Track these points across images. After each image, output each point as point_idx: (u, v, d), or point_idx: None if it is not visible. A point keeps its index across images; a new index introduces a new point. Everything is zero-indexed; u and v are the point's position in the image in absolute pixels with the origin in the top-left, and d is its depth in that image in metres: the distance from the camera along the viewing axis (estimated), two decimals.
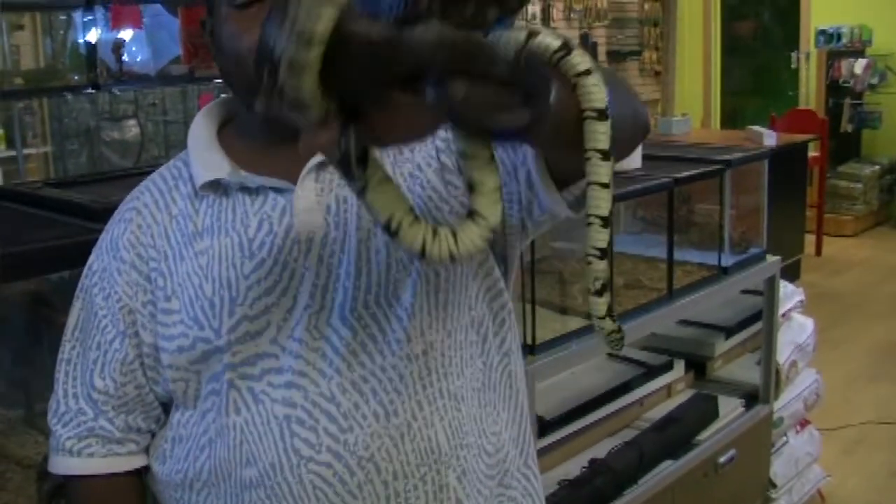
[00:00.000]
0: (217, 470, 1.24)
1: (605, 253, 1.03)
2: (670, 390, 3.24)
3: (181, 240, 1.27)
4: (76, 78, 4.05)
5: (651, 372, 3.16)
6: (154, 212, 1.30)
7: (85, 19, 4.08)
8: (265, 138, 1.28)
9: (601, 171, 0.98)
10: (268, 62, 0.83)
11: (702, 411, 3.14)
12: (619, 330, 1.08)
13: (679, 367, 3.28)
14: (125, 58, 4.15)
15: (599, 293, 1.04)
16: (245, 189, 1.26)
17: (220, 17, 1.22)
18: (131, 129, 5.55)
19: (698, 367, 3.41)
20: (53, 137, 5.49)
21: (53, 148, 5.48)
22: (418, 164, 1.27)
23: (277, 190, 1.25)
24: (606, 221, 1.02)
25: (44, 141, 5.46)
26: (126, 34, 4.24)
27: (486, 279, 1.30)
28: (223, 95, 1.36)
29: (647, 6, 9.29)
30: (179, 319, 1.24)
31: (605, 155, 0.97)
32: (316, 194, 1.25)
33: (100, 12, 4.10)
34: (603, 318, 1.06)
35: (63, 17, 4.79)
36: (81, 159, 5.58)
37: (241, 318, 1.21)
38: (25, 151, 5.07)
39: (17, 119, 4.98)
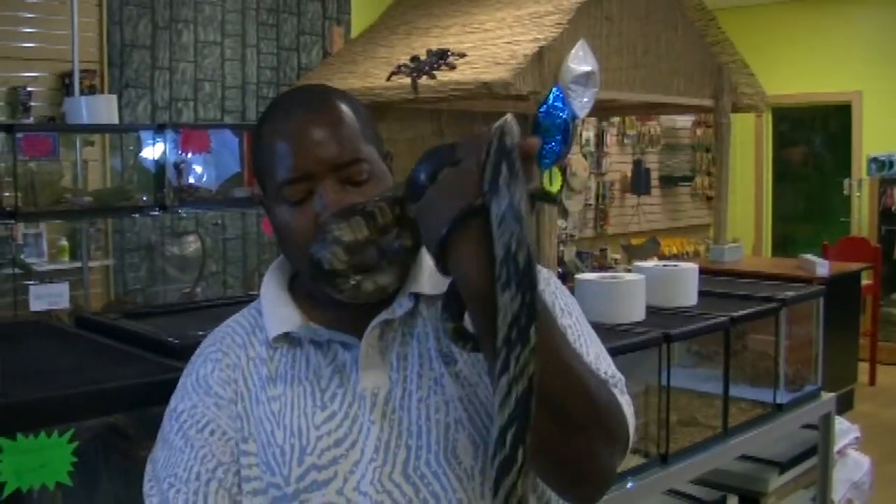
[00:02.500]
0: None
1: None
2: None
3: (257, 383, 1.31)
4: (144, 199, 4.16)
5: None
6: (237, 354, 1.35)
7: (154, 140, 4.20)
8: (327, 296, 1.34)
9: None
10: None
11: None
12: None
13: (732, 503, 3.25)
14: (191, 180, 4.27)
15: None
16: (314, 342, 1.32)
17: (279, 208, 1.32)
18: (191, 244, 5.67)
19: (751, 502, 3.37)
20: (115, 251, 5.62)
21: (115, 261, 5.61)
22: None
23: (344, 344, 1.30)
24: None
25: (105, 254, 5.59)
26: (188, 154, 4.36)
27: None
28: None
29: (699, 132, 9.41)
30: (255, 462, 1.27)
31: None
32: (380, 351, 1.30)
33: (169, 134, 4.22)
34: None
35: (132, 137, 4.94)
36: (141, 273, 5.70)
37: (309, 467, 1.24)
38: (89, 264, 5.20)
39: (85, 235, 5.12)
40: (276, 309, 1.36)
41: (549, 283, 1.41)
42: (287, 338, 1.33)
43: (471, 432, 1.26)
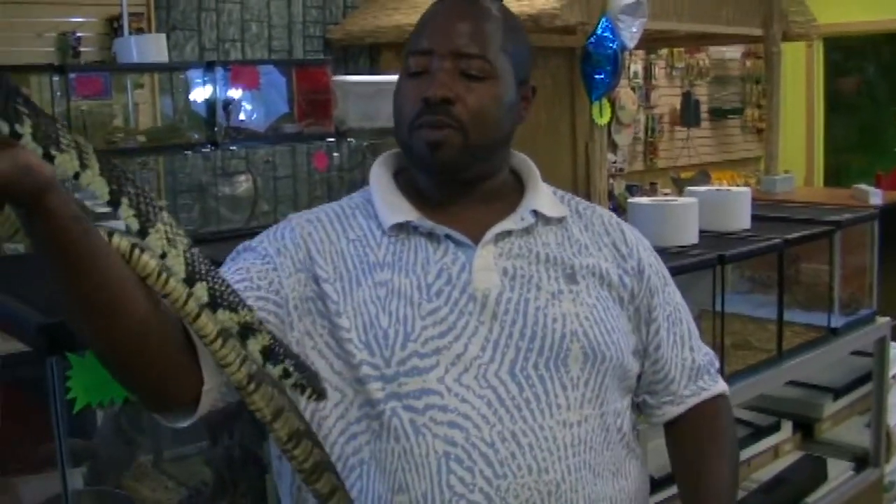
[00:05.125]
0: (367, 490, 1.30)
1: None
2: (777, 451, 3.21)
3: (358, 265, 1.36)
4: (196, 136, 4.19)
5: (758, 432, 3.14)
6: (329, 231, 1.41)
7: (204, 79, 4.22)
8: (436, 195, 1.42)
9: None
10: None
11: (810, 473, 3.11)
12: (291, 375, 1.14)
13: (786, 428, 3.25)
14: (242, 116, 4.29)
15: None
16: (428, 236, 1.37)
17: (401, 78, 1.41)
18: (242, 184, 5.69)
19: (806, 428, 3.37)
20: (167, 192, 5.67)
21: (167, 202, 5.65)
22: None
23: (457, 243, 1.36)
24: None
25: (157, 195, 5.63)
26: (237, 93, 4.38)
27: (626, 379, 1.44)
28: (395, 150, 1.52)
29: (749, 63, 9.26)
30: (348, 338, 1.31)
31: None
32: (494, 257, 1.36)
33: (219, 72, 4.24)
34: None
35: (182, 77, 4.96)
36: (193, 214, 5.75)
37: (411, 353, 1.30)
38: None
39: (138, 175, 5.16)
40: (389, 199, 1.42)
41: (651, 264, 1.53)
42: (402, 228, 1.38)
43: (584, 345, 1.33)
